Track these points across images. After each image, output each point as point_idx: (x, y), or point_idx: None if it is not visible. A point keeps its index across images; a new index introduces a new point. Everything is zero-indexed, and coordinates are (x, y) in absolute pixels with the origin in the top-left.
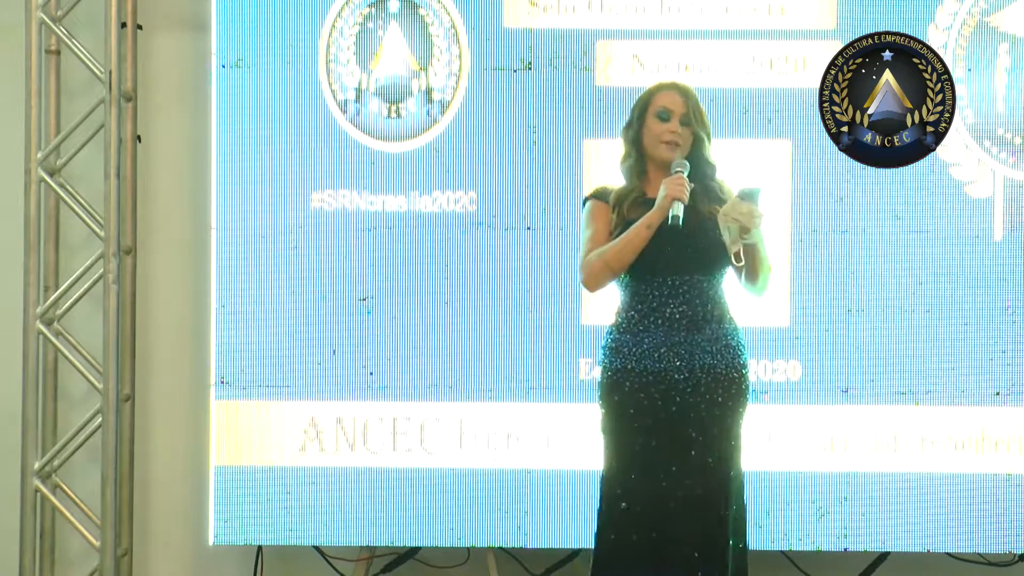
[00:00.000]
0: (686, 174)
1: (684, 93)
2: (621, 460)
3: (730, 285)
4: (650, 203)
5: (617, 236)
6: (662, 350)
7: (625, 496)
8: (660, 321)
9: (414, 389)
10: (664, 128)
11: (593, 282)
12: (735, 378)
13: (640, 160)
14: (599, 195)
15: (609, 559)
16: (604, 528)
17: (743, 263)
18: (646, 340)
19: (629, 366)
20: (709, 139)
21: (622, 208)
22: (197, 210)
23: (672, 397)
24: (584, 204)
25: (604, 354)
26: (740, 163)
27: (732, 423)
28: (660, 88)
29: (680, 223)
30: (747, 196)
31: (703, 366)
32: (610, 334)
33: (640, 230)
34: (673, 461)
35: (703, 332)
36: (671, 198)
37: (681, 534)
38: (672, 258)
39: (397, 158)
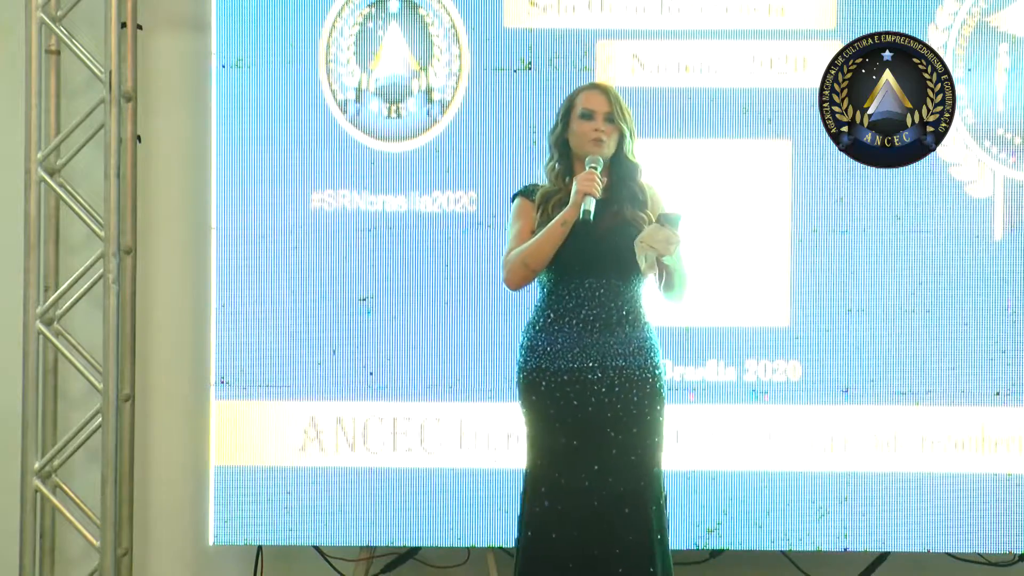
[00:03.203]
0: (599, 170)
1: (605, 91)
2: (544, 460)
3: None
4: None
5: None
6: (575, 350)
7: (548, 495)
8: (575, 322)
9: (414, 389)
10: (589, 127)
11: (513, 280)
12: (648, 379)
13: (565, 161)
14: (526, 192)
15: (528, 558)
16: (523, 526)
17: (661, 282)
18: (560, 340)
19: (543, 365)
20: (633, 137)
21: (547, 207)
22: (197, 210)
23: (588, 397)
24: (512, 200)
25: (520, 353)
26: (740, 163)
27: (652, 421)
28: (581, 90)
29: (591, 217)
30: (667, 221)
31: (615, 367)
32: (526, 333)
33: (555, 228)
34: (595, 460)
35: (615, 335)
36: (582, 193)
37: (604, 531)
38: (590, 260)
39: (397, 158)
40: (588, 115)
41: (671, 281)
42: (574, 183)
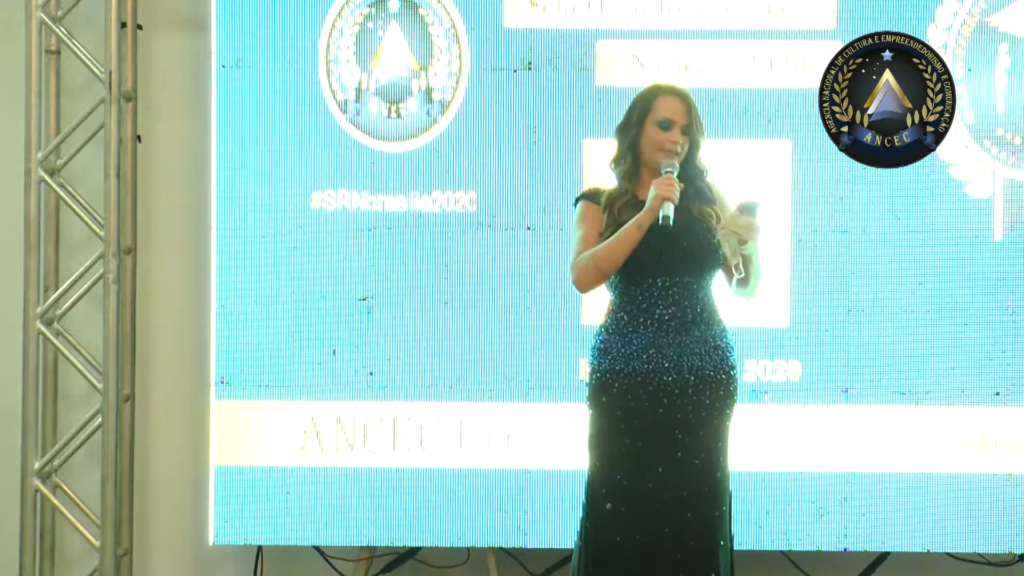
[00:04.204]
0: (675, 174)
1: (686, 100)
2: (607, 461)
3: (719, 286)
4: (641, 205)
5: (608, 237)
6: (651, 351)
7: (610, 497)
8: (649, 323)
9: (414, 389)
10: (665, 137)
11: (584, 282)
12: (723, 380)
13: (635, 164)
14: (590, 196)
15: (594, 560)
16: (589, 529)
17: (742, 274)
18: (635, 341)
19: (617, 367)
20: (701, 146)
21: (613, 210)
22: (197, 210)
23: (660, 399)
24: (576, 204)
25: (593, 355)
26: (740, 163)
27: (719, 424)
28: (660, 92)
29: (671, 223)
30: (746, 209)
31: (691, 367)
32: (599, 335)
33: (631, 231)
34: (659, 463)
35: (692, 334)
36: (661, 198)
37: (667, 535)
38: (662, 260)
39: (397, 158)
40: (667, 125)
41: (748, 272)
42: (652, 187)
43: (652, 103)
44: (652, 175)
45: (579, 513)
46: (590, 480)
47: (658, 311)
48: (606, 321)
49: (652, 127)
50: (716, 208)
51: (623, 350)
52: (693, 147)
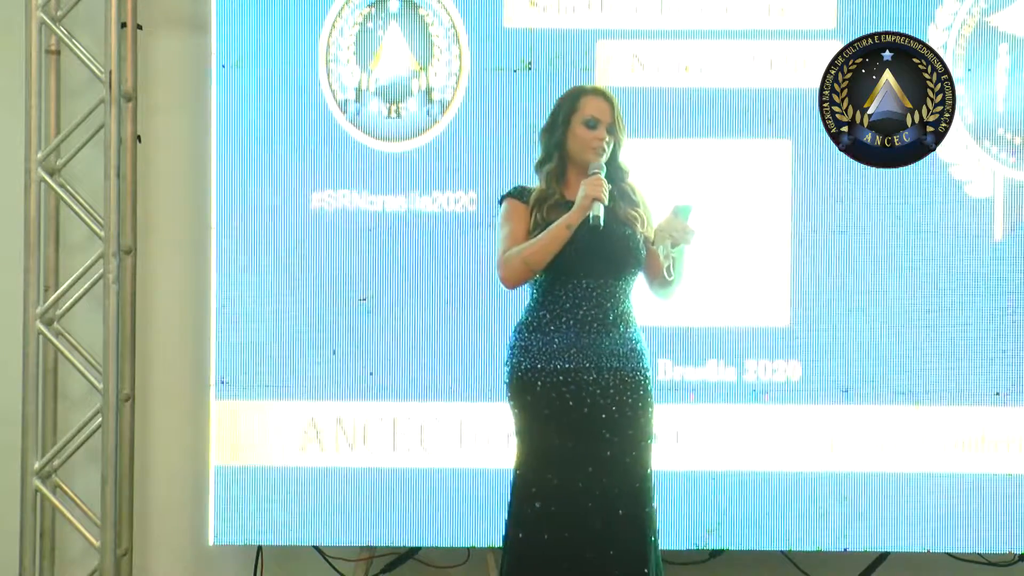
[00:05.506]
0: (602, 174)
1: (610, 100)
2: (537, 460)
3: (638, 287)
4: (569, 206)
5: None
6: (572, 351)
7: (539, 496)
8: (572, 322)
9: (414, 389)
10: (592, 136)
11: (511, 278)
12: (641, 381)
13: (561, 164)
14: (516, 194)
15: (519, 558)
16: (515, 527)
17: (671, 276)
18: (556, 340)
19: (539, 366)
20: (622, 144)
21: (542, 210)
22: (197, 210)
23: (583, 398)
24: (500, 202)
25: (512, 353)
26: (740, 163)
27: (645, 424)
28: (584, 92)
29: (601, 223)
30: (680, 212)
31: (610, 368)
32: (519, 333)
33: (560, 230)
34: (589, 462)
35: (610, 335)
36: (591, 198)
37: (598, 533)
38: (587, 261)
39: (397, 158)
40: (593, 124)
41: (673, 274)
42: (582, 187)
43: (577, 103)
44: (579, 175)
45: None
46: (518, 478)
47: (581, 311)
48: (527, 319)
49: (579, 126)
50: (641, 211)
51: (544, 348)
52: (616, 147)
